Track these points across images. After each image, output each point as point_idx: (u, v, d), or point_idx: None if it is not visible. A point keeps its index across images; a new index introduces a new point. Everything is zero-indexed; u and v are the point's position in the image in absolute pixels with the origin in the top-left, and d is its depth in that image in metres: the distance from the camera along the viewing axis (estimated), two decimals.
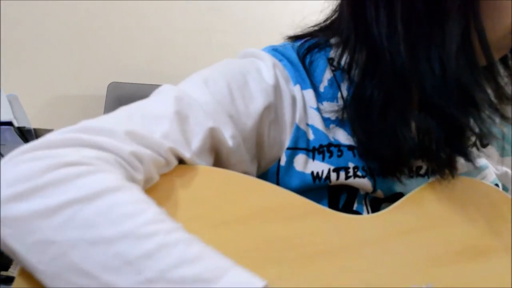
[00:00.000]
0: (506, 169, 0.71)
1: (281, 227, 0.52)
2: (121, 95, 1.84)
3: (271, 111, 0.61)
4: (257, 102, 0.59)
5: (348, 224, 0.55)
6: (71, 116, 1.84)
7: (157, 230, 0.43)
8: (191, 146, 0.54)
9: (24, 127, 1.41)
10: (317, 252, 0.52)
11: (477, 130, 0.59)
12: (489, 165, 0.68)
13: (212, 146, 0.56)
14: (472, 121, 0.59)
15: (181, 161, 0.54)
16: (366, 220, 0.56)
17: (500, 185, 0.68)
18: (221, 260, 0.43)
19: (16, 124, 1.40)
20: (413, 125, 0.60)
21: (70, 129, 0.48)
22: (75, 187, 0.43)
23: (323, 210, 0.55)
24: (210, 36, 2.00)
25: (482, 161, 0.68)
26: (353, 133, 0.63)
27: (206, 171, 0.53)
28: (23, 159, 0.44)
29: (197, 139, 0.54)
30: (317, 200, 0.59)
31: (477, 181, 0.63)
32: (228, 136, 0.56)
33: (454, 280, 0.54)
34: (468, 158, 0.60)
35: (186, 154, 0.53)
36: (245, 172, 0.60)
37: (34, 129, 1.43)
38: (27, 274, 0.44)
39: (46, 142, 0.46)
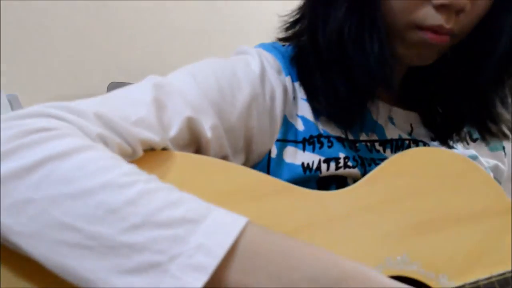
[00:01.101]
0: (496, 162, 0.71)
1: (251, 207, 0.52)
2: None
3: (259, 102, 0.60)
4: (244, 93, 0.59)
5: (319, 200, 0.55)
6: None
7: (136, 180, 0.42)
8: (168, 134, 0.53)
9: None
10: (288, 230, 0.51)
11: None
12: (479, 156, 0.68)
13: (191, 136, 0.56)
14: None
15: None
16: (337, 196, 0.56)
17: (491, 174, 0.68)
18: (202, 202, 0.43)
19: None
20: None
21: (42, 104, 0.48)
22: (47, 148, 0.42)
23: (293, 188, 0.55)
24: (210, 36, 2.01)
25: (470, 151, 0.68)
26: (308, 100, 0.64)
27: (172, 157, 0.52)
28: None
29: (174, 128, 0.53)
30: None
31: (444, 150, 0.63)
32: (207, 126, 0.55)
33: (427, 249, 0.54)
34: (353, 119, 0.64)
35: (159, 141, 0.52)
36: (225, 159, 0.59)
37: None
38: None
39: (17, 113, 0.46)
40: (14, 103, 1.64)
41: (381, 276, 0.42)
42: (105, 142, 0.48)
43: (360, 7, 0.58)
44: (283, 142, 0.62)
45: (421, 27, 0.58)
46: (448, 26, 0.57)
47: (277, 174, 0.62)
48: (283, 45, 0.68)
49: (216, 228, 0.40)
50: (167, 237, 0.39)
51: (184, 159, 0.53)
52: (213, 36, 2.01)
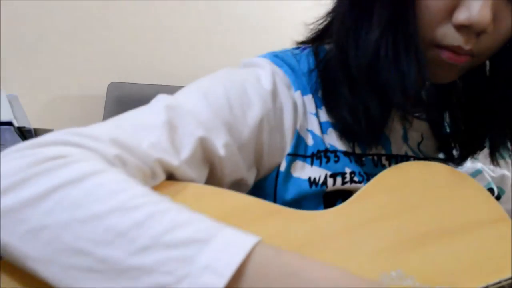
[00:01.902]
0: (504, 171, 0.71)
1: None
2: (121, 95, 1.84)
3: (270, 119, 0.60)
4: (255, 110, 0.59)
5: (311, 220, 0.54)
6: (71, 116, 1.84)
7: (145, 202, 0.42)
8: (181, 156, 0.53)
9: (24, 127, 1.40)
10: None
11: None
12: (485, 169, 0.68)
13: (204, 156, 0.56)
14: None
15: (171, 176, 0.53)
16: (329, 214, 0.55)
17: (495, 189, 0.68)
18: (212, 222, 0.43)
19: (16, 124, 1.40)
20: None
21: (57, 132, 0.49)
22: (60, 174, 0.43)
23: (283, 210, 0.54)
24: (210, 36, 2.01)
25: (476, 165, 0.68)
26: (329, 113, 0.64)
27: (161, 185, 0.52)
28: (12, 157, 0.45)
29: (186, 149, 0.53)
30: (313, 208, 0.59)
31: (432, 164, 0.62)
32: (220, 145, 0.55)
33: (421, 262, 0.53)
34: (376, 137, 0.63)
35: (175, 163, 0.52)
36: (241, 180, 0.60)
37: (34, 129, 1.43)
38: (9, 269, 0.43)
39: (34, 142, 0.47)
40: (14, 103, 1.63)
41: None
42: (124, 163, 0.48)
43: (396, 28, 0.56)
44: (293, 156, 0.62)
45: (439, 46, 0.57)
46: (467, 47, 0.56)
47: (283, 188, 0.62)
48: (295, 53, 0.67)
49: (225, 248, 0.40)
50: (175, 258, 0.39)
51: (173, 187, 0.53)
52: (213, 36, 2.01)
